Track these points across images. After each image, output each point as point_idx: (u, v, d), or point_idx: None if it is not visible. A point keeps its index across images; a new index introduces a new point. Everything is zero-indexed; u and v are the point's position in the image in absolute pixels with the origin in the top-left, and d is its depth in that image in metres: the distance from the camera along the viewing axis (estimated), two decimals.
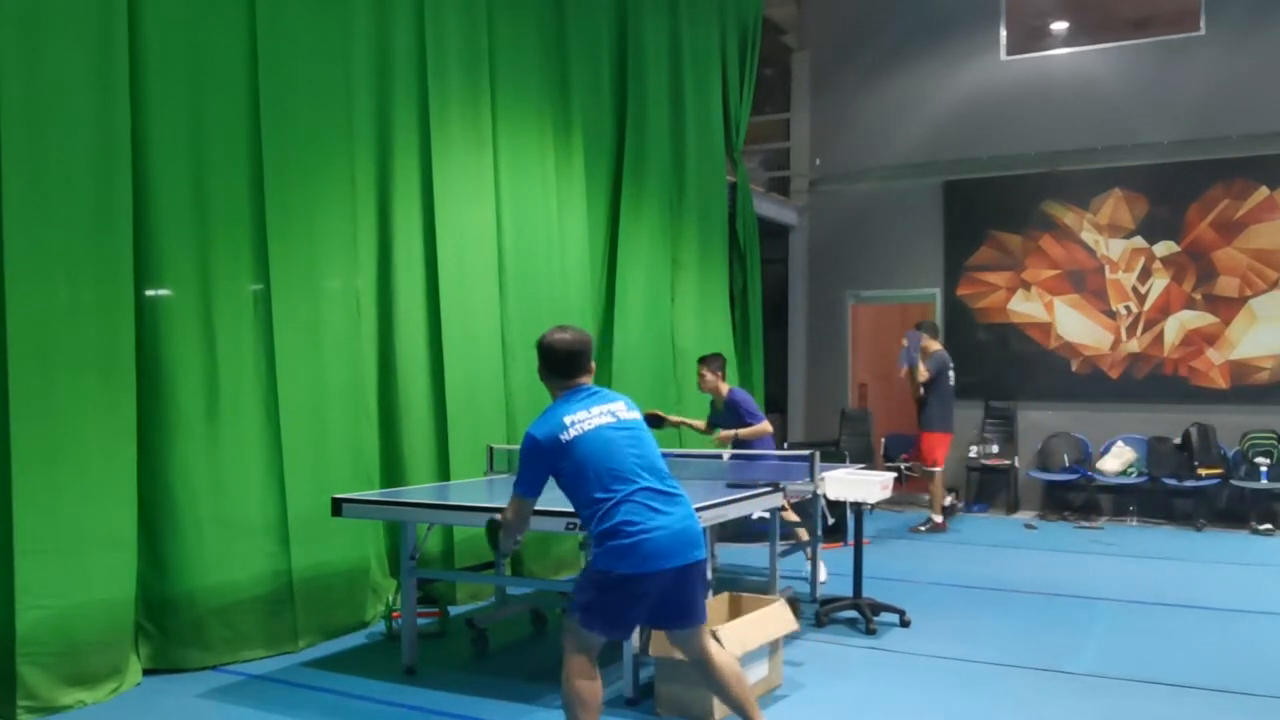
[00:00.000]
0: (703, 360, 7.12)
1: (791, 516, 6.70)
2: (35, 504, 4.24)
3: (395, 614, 5.50)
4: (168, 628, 4.89)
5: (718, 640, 3.87)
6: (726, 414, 6.96)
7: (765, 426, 6.92)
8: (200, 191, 5.00)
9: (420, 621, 5.26)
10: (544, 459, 3.55)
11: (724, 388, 6.99)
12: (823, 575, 6.66)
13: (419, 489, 5.79)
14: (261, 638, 5.17)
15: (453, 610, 5.98)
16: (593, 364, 3.76)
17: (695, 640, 3.63)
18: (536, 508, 4.56)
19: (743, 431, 6.81)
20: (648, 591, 3.47)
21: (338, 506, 4.87)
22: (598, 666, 3.53)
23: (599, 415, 3.57)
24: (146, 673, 4.79)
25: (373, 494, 5.34)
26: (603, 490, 3.47)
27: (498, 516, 3.74)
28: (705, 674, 3.66)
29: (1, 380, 4.21)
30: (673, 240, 8.88)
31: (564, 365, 3.68)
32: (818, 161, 11.83)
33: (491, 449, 6.12)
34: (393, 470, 6.09)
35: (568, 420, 3.54)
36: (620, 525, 3.43)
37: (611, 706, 4.40)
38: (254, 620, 5.14)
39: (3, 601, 4.22)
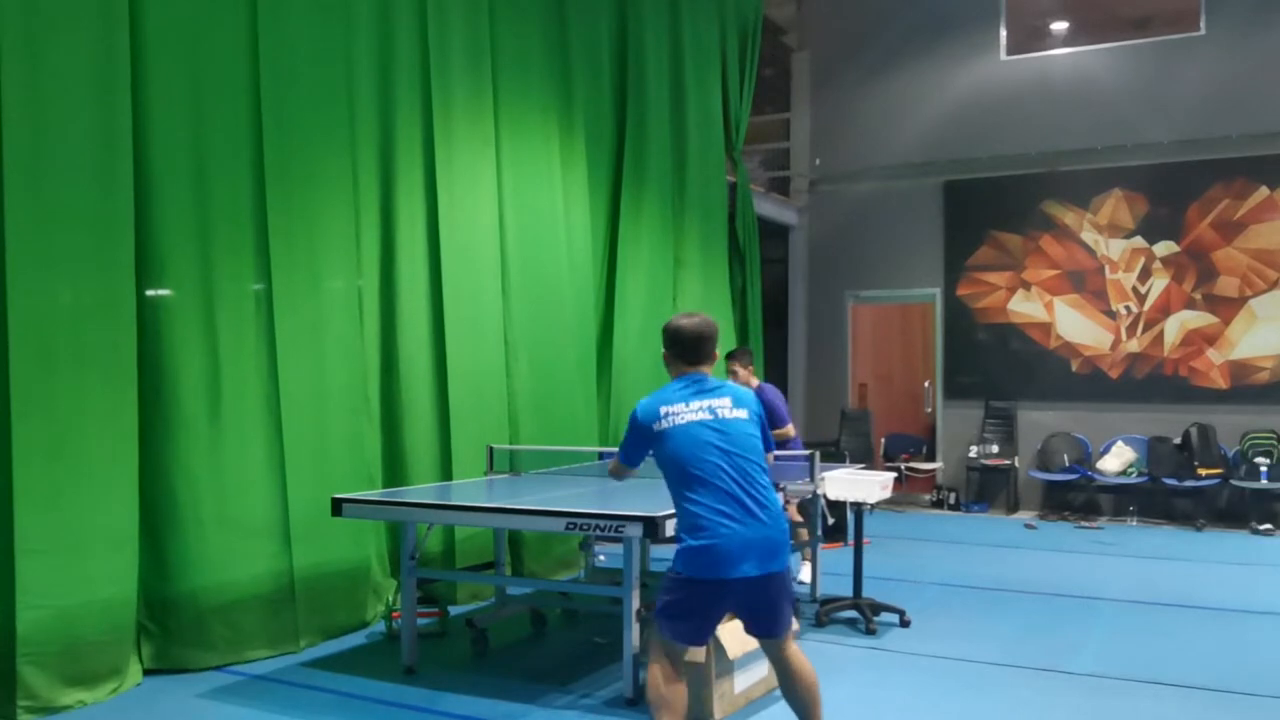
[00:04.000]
0: (732, 355, 6.73)
1: (796, 516, 6.68)
2: (36, 503, 4.24)
3: (395, 614, 5.50)
4: (169, 627, 4.89)
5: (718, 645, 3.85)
6: None
7: (791, 430, 6.66)
8: (202, 190, 5.00)
9: (420, 621, 5.26)
10: (639, 437, 3.58)
11: (754, 382, 6.69)
12: (805, 575, 6.63)
13: (419, 489, 5.79)
14: (262, 637, 5.17)
15: (453, 610, 5.98)
16: (715, 353, 3.72)
17: (777, 648, 3.56)
18: (532, 506, 4.60)
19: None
20: (721, 598, 3.40)
21: (338, 506, 4.86)
22: (682, 671, 3.47)
23: (695, 410, 3.50)
24: (147, 673, 4.79)
25: (373, 494, 5.34)
26: (683, 489, 3.43)
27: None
28: (782, 680, 3.60)
29: (3, 379, 4.22)
30: (675, 239, 8.88)
31: (689, 350, 3.63)
32: (818, 161, 11.83)
33: (491, 449, 6.12)
34: (395, 470, 6.10)
35: (664, 410, 3.51)
36: (691, 528, 3.38)
37: (611, 706, 4.41)
38: (255, 620, 5.14)
39: (3, 601, 4.22)
